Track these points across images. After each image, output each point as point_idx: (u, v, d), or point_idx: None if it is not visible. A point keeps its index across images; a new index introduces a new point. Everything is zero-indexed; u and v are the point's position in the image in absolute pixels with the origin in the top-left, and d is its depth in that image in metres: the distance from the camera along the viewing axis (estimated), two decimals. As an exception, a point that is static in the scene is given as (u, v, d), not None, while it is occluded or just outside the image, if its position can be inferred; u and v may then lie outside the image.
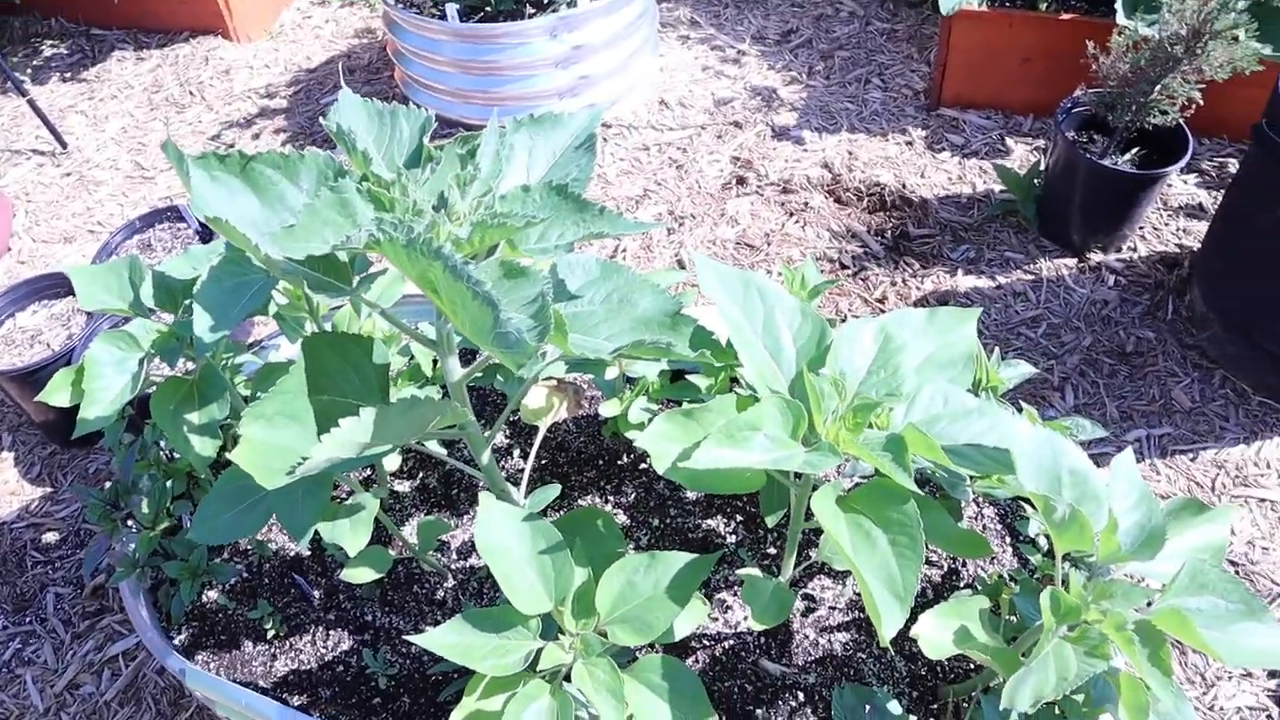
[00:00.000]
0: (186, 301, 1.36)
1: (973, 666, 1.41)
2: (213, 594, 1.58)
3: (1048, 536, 1.51)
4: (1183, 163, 2.36)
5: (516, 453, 1.75)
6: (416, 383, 1.59)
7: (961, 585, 1.51)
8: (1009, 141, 2.97)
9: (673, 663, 1.14)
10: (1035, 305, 2.48)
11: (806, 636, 1.46)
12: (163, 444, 1.62)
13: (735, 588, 1.52)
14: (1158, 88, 2.31)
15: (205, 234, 2.53)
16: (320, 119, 1.13)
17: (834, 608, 1.49)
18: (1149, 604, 1.05)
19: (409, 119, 1.04)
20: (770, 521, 1.37)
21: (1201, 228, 2.61)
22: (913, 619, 1.05)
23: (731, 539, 1.58)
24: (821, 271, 2.31)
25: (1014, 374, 1.48)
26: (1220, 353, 2.28)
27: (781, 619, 1.26)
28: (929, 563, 1.53)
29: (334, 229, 0.88)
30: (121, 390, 1.31)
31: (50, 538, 2.18)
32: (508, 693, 1.07)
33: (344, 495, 1.59)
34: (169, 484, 1.56)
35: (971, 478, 1.36)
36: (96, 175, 3.21)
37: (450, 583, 1.57)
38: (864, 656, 1.43)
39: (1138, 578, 1.48)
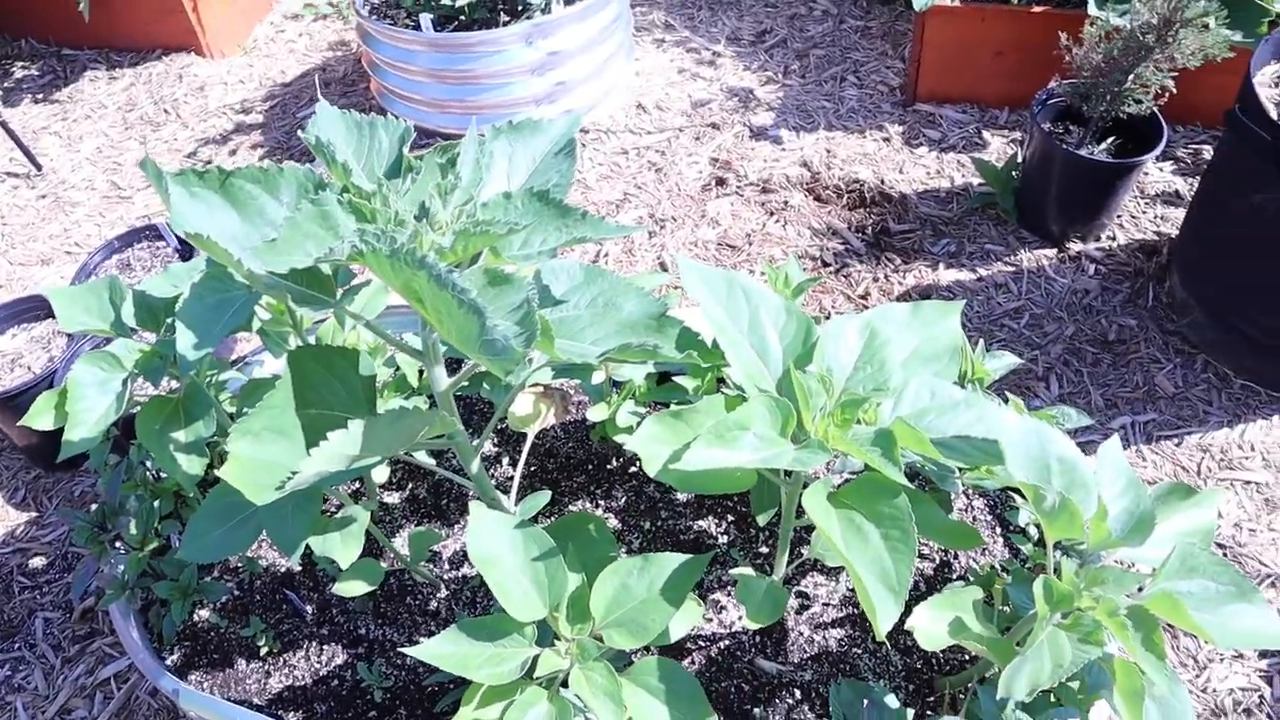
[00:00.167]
0: (169, 320, 1.35)
1: (968, 658, 1.41)
2: (204, 613, 1.57)
3: (1038, 526, 1.52)
4: (1158, 151, 2.38)
5: (505, 460, 1.75)
6: (403, 394, 1.59)
7: (954, 577, 1.52)
8: (985, 135, 2.99)
9: (670, 664, 1.14)
10: (1017, 296, 2.49)
11: (801, 634, 1.46)
12: (149, 464, 1.61)
13: (729, 588, 1.52)
14: (1131, 77, 2.33)
15: (185, 252, 2.52)
16: (299, 132, 1.13)
17: (828, 604, 1.49)
18: (1140, 589, 1.05)
19: (388, 130, 1.03)
20: (761, 520, 1.37)
21: (1179, 215, 2.63)
22: (907, 612, 1.05)
23: (723, 539, 1.58)
24: (804, 270, 2.31)
25: (999, 365, 1.49)
26: (1201, 338, 2.30)
27: (776, 617, 1.26)
28: (920, 556, 1.54)
29: (316, 241, 0.87)
30: (106, 411, 1.29)
31: (37, 562, 2.16)
32: (505, 701, 1.07)
33: (333, 509, 1.59)
34: (156, 504, 1.55)
35: (960, 470, 1.37)
36: (72, 196, 3.18)
37: (443, 593, 1.56)
38: (859, 651, 1.43)
39: (1128, 564, 1.49)
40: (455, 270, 0.79)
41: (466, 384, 1.46)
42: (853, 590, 1.51)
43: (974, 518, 1.58)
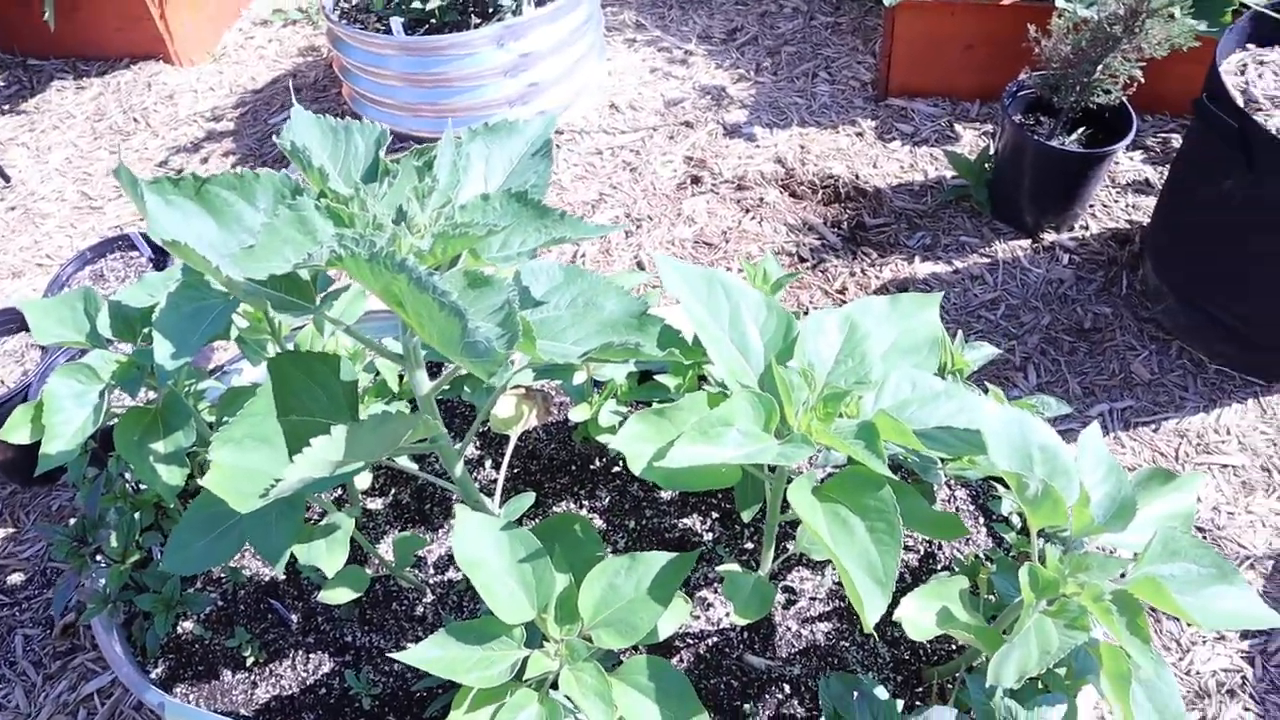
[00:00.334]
0: (145, 330, 1.34)
1: (955, 647, 1.42)
2: (188, 625, 1.56)
3: (1021, 515, 1.53)
4: (1128, 140, 2.40)
5: (488, 463, 1.74)
6: (384, 399, 1.58)
7: (939, 568, 1.53)
8: (958, 128, 3.01)
9: (659, 663, 1.14)
10: (993, 287, 2.51)
11: (789, 628, 1.46)
12: (128, 476, 1.59)
13: (716, 585, 1.52)
14: (1100, 68, 2.35)
15: (159, 261, 2.49)
16: (274, 138, 1.12)
17: (814, 598, 1.50)
18: (1124, 574, 1.07)
19: (363, 134, 1.03)
20: (746, 516, 1.37)
21: (1150, 203, 2.66)
22: (894, 604, 1.06)
23: (709, 536, 1.58)
24: (781, 265, 2.32)
25: (978, 356, 1.50)
26: (1175, 324, 2.32)
27: (763, 613, 1.27)
28: (905, 547, 1.55)
29: (294, 247, 0.87)
30: (83, 424, 1.28)
31: (15, 579, 2.13)
32: (495, 704, 1.07)
33: (316, 516, 1.58)
34: (137, 516, 1.54)
35: (943, 460, 1.38)
36: (42, 207, 3.15)
37: (429, 598, 1.56)
38: (847, 644, 1.44)
39: (1110, 549, 1.50)
40: (435, 273, 0.79)
41: (448, 387, 1.45)
42: (839, 583, 1.51)
43: (957, 508, 1.59)
